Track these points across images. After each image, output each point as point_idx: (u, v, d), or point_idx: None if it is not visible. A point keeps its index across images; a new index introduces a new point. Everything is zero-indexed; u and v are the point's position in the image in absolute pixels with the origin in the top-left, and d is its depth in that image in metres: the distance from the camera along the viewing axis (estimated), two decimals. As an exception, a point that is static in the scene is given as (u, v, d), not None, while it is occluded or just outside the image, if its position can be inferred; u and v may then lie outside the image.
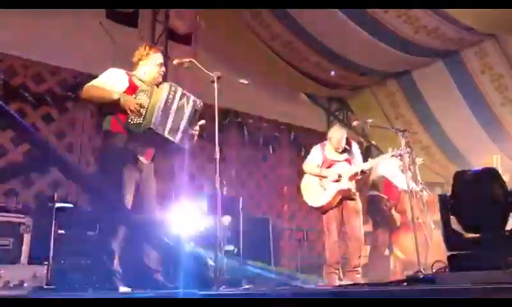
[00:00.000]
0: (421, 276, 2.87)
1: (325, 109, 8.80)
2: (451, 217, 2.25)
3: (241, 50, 7.23)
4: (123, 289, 2.95)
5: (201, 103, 3.43)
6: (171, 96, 3.22)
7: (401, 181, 4.72)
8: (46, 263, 4.42)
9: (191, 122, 3.37)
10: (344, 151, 4.62)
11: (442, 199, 2.28)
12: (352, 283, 4.16)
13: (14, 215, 4.57)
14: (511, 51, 6.64)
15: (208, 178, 6.48)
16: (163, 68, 3.51)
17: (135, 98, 3.18)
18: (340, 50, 6.86)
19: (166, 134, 3.16)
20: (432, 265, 3.42)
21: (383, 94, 8.18)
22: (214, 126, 3.43)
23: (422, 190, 4.71)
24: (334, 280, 4.38)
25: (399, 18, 6.07)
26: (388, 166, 4.74)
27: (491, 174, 2.22)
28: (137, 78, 3.37)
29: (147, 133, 3.13)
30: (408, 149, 4.08)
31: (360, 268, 4.41)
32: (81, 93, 3.23)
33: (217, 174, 3.15)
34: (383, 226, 5.33)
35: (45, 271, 4.34)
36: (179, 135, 3.27)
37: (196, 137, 3.46)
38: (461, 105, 7.35)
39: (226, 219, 5.24)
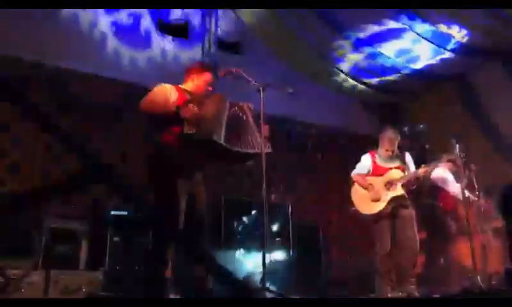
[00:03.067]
0: (476, 290, 2.72)
1: (376, 114, 8.59)
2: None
3: (290, 57, 7.23)
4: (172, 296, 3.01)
5: (252, 105, 3.48)
6: (221, 106, 3.29)
7: (455, 187, 4.54)
8: (102, 268, 4.61)
9: (254, 129, 3.42)
10: (396, 158, 4.50)
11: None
12: (405, 294, 4.05)
13: (73, 221, 4.80)
14: None
15: (257, 183, 6.52)
16: (211, 88, 3.60)
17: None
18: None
19: (222, 142, 3.20)
20: (491, 276, 3.27)
21: (438, 98, 7.90)
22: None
23: (478, 198, 4.50)
24: (386, 291, 4.25)
25: (452, 19, 5.85)
26: (440, 172, 4.57)
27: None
28: (185, 91, 3.47)
29: (200, 144, 3.19)
30: (463, 154, 3.91)
31: (414, 279, 4.27)
32: (139, 106, 3.30)
33: (264, 184, 3.14)
34: (438, 235, 5.15)
35: (101, 277, 4.51)
36: (243, 143, 3.32)
37: (267, 141, 3.46)
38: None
39: None
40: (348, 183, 4.95)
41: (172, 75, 5.70)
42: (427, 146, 8.12)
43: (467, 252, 4.11)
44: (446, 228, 5.18)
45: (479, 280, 3.78)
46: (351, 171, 4.92)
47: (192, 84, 3.55)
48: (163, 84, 3.45)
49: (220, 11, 7.21)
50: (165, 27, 6.82)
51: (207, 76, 3.58)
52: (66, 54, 5.68)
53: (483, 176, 7.91)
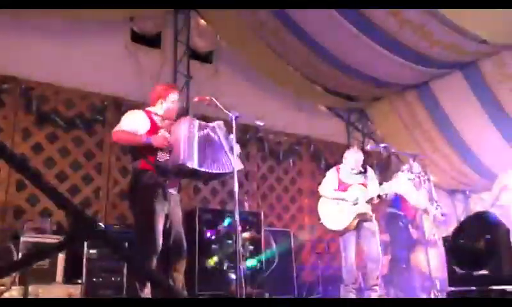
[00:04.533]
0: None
1: (344, 120, 8.91)
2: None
3: (261, 66, 7.44)
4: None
5: (222, 123, 3.63)
6: (190, 129, 3.42)
7: (415, 198, 4.85)
8: (79, 281, 4.74)
9: (231, 147, 3.58)
10: (360, 174, 4.76)
11: (445, 241, 2.45)
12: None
13: (49, 236, 4.90)
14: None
15: (231, 193, 6.72)
16: (179, 105, 3.73)
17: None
18: (358, 65, 6.99)
19: (196, 166, 3.35)
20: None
21: (401, 104, 8.25)
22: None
23: (436, 208, 4.82)
24: (351, 299, 4.55)
25: (414, 34, 6.16)
26: (402, 184, 4.87)
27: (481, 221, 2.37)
28: (156, 115, 3.59)
29: (176, 168, 3.35)
30: (422, 172, 4.21)
31: (377, 287, 4.55)
32: (112, 137, 3.44)
33: (236, 209, 3.32)
34: (399, 242, 5.48)
35: (79, 289, 4.64)
36: (217, 163, 3.48)
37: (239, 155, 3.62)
38: (480, 114, 7.39)
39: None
40: (318, 188, 5.15)
41: (145, 85, 5.91)
42: (393, 150, 8.51)
43: (426, 259, 4.42)
44: (408, 235, 5.51)
45: (437, 285, 4.11)
46: (321, 176, 5.13)
47: (162, 106, 3.64)
48: (135, 111, 3.57)
49: (193, 21, 7.34)
50: (138, 38, 6.93)
51: (174, 95, 3.69)
52: (43, 69, 5.73)
53: (443, 180, 8.34)
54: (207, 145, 3.50)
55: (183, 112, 5.84)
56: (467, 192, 9.06)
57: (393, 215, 5.54)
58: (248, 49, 7.31)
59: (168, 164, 3.32)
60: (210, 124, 3.60)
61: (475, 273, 2.27)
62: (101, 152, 6.16)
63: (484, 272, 2.26)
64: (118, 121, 6.15)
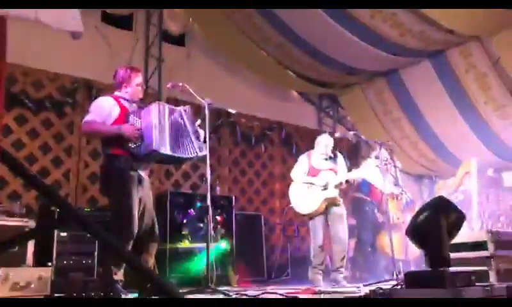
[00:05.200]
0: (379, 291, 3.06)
1: (316, 105, 9.04)
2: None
3: (234, 51, 7.45)
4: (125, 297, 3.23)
5: (189, 108, 3.66)
6: (161, 115, 3.44)
7: (382, 184, 5.05)
8: (50, 264, 4.72)
9: (196, 131, 3.62)
10: (330, 160, 4.90)
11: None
12: (334, 283, 4.55)
13: (19, 219, 4.84)
14: (493, 51, 6.86)
15: (202, 176, 6.77)
16: (143, 86, 3.74)
17: (128, 122, 3.44)
18: (330, 52, 7.09)
19: (169, 152, 3.39)
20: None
21: (371, 91, 8.41)
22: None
23: (402, 193, 5.01)
24: (318, 281, 4.71)
25: (385, 23, 6.29)
26: (370, 170, 5.05)
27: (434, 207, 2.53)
28: (124, 100, 3.58)
29: (148, 154, 3.38)
30: (389, 159, 4.37)
31: (343, 269, 4.72)
32: (82, 129, 3.46)
33: (208, 193, 3.39)
34: (365, 226, 5.68)
35: (50, 272, 4.63)
36: (184, 148, 3.53)
37: (205, 141, 3.67)
38: (446, 103, 7.59)
39: None
40: (289, 172, 5.25)
41: (116, 66, 5.84)
42: (362, 136, 8.68)
43: (389, 241, 4.61)
44: (374, 219, 5.71)
45: (401, 266, 4.31)
46: (292, 161, 5.26)
47: (126, 91, 3.62)
48: (103, 98, 3.57)
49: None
50: (109, 19, 6.81)
51: (137, 78, 3.66)
52: (11, 49, 5.58)
53: (411, 166, 8.57)
54: (176, 130, 3.53)
55: (155, 96, 5.84)
56: (433, 178, 9.36)
57: (360, 199, 5.73)
58: (220, 34, 7.30)
59: (140, 151, 3.34)
60: (178, 108, 3.62)
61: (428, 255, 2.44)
62: (71, 134, 6.09)
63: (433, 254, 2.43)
64: (88, 103, 6.17)
